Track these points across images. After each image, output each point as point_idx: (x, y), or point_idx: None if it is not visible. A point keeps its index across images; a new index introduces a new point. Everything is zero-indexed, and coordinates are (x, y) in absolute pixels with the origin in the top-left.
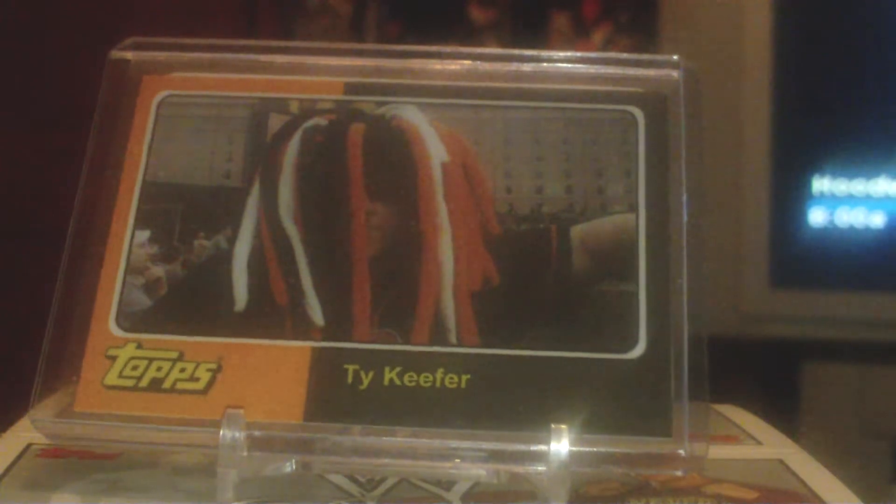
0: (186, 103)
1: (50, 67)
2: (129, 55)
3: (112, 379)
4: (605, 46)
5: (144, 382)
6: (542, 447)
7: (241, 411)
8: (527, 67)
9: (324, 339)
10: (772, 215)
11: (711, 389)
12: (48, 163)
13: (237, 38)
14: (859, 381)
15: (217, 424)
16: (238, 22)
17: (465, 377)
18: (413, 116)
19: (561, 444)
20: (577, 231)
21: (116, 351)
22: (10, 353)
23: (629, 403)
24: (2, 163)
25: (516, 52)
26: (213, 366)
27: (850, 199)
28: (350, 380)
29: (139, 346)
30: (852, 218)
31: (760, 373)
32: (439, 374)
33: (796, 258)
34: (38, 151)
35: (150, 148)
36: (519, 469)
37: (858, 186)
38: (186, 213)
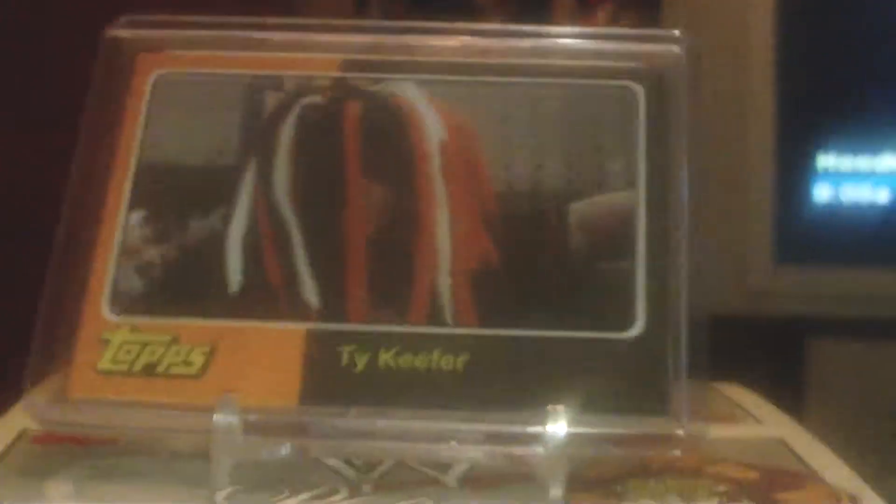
0: (182, 81)
1: (49, 67)
2: (123, 33)
3: (106, 364)
4: (609, 23)
5: (138, 367)
6: (539, 428)
7: (236, 396)
8: (526, 43)
9: (319, 321)
10: (776, 191)
11: (715, 367)
12: (47, 162)
13: (237, 16)
14: (864, 357)
15: (211, 409)
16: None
17: (461, 358)
18: (411, 93)
19: (558, 426)
20: (575, 209)
21: (110, 335)
22: (11, 354)
23: (627, 383)
24: (1, 162)
25: (516, 27)
26: (207, 349)
27: (856, 175)
28: (345, 362)
29: (133, 330)
30: (857, 194)
31: (765, 350)
32: (436, 355)
33: (801, 234)
34: (37, 151)
35: (144, 127)
36: (516, 451)
37: (863, 162)
38: (181, 194)
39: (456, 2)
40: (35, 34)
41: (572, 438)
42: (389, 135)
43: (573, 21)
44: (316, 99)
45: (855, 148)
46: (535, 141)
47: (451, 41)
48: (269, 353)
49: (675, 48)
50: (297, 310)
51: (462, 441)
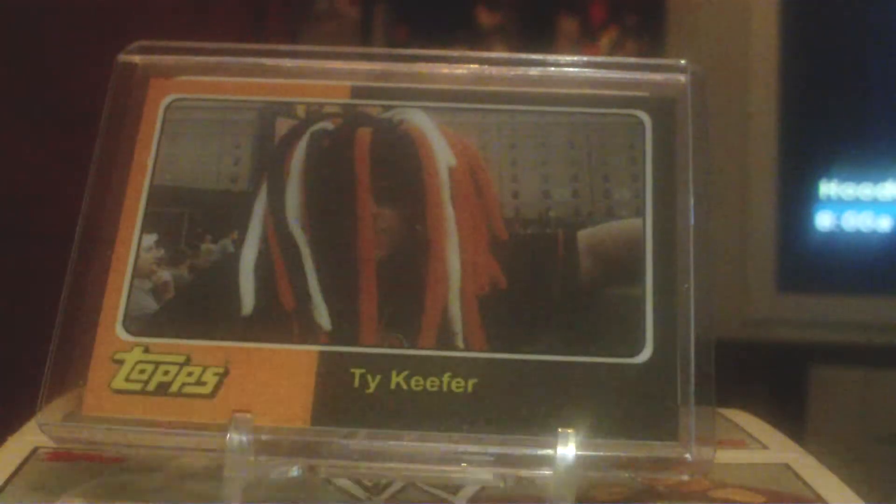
0: (194, 107)
1: (56, 69)
2: (136, 58)
3: (119, 383)
4: (612, 50)
5: (152, 386)
6: (549, 451)
7: (249, 415)
8: (534, 72)
9: (331, 343)
10: (779, 219)
11: (718, 393)
12: (54, 164)
13: (245, 43)
14: (866, 384)
15: (224, 428)
16: (246, 26)
17: (471, 381)
18: (420, 120)
19: (567, 448)
20: (583, 235)
21: (123, 355)
22: (15, 356)
23: (636, 407)
24: (8, 164)
25: (523, 56)
26: (220, 370)
27: (857, 203)
28: (357, 384)
29: (146, 350)
30: (859, 222)
31: (767, 377)
32: (446, 378)
33: (803, 262)
34: (44, 153)
35: (157, 151)
36: (525, 473)
37: (865, 190)
38: (193, 217)
39: (459, 26)
40: (42, 36)
41: (581, 461)
42: (399, 161)
43: (576, 46)
44: (326, 125)
45: (857, 176)
46: (542, 168)
47: (460, 69)
48: (282, 374)
49: (681, 77)
50: (310, 332)
51: (472, 463)
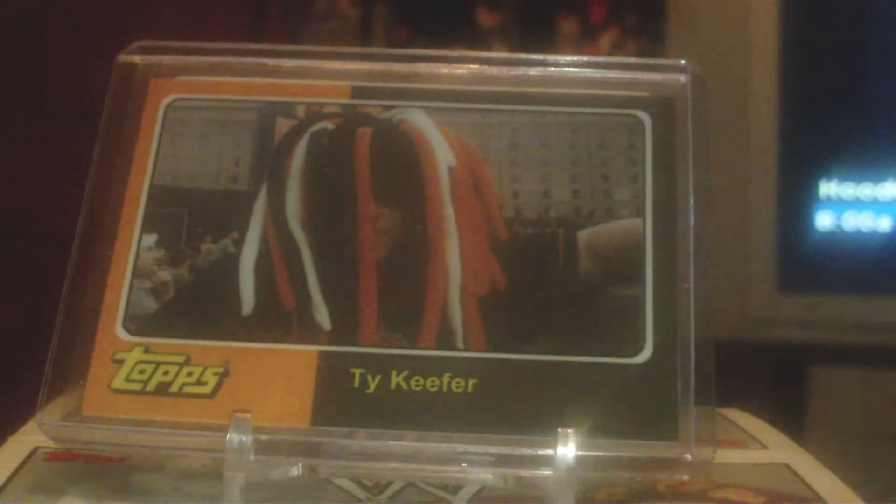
0: (194, 107)
1: (56, 69)
2: (136, 59)
3: (119, 383)
4: (613, 50)
5: (151, 386)
6: (549, 451)
7: (249, 415)
8: (534, 71)
9: (330, 343)
10: (779, 219)
11: (718, 393)
12: (54, 164)
13: (245, 43)
14: (866, 384)
15: (224, 428)
16: (246, 26)
17: (471, 381)
18: (420, 120)
19: (567, 448)
20: (584, 235)
21: (123, 355)
22: (15, 356)
23: (636, 407)
24: (8, 164)
25: (523, 56)
26: (220, 370)
27: (858, 203)
28: (357, 384)
29: (146, 350)
30: (859, 222)
31: (767, 376)
32: (446, 378)
33: (803, 262)
34: (44, 153)
35: (157, 151)
36: (525, 473)
37: (866, 190)
38: (193, 217)
39: (459, 26)
40: (43, 36)
41: (581, 461)
42: (399, 161)
43: (576, 46)
44: (327, 125)
45: (857, 176)
46: (542, 168)
47: (460, 69)
48: (282, 374)
49: (682, 77)
50: (309, 332)
51: (472, 463)
